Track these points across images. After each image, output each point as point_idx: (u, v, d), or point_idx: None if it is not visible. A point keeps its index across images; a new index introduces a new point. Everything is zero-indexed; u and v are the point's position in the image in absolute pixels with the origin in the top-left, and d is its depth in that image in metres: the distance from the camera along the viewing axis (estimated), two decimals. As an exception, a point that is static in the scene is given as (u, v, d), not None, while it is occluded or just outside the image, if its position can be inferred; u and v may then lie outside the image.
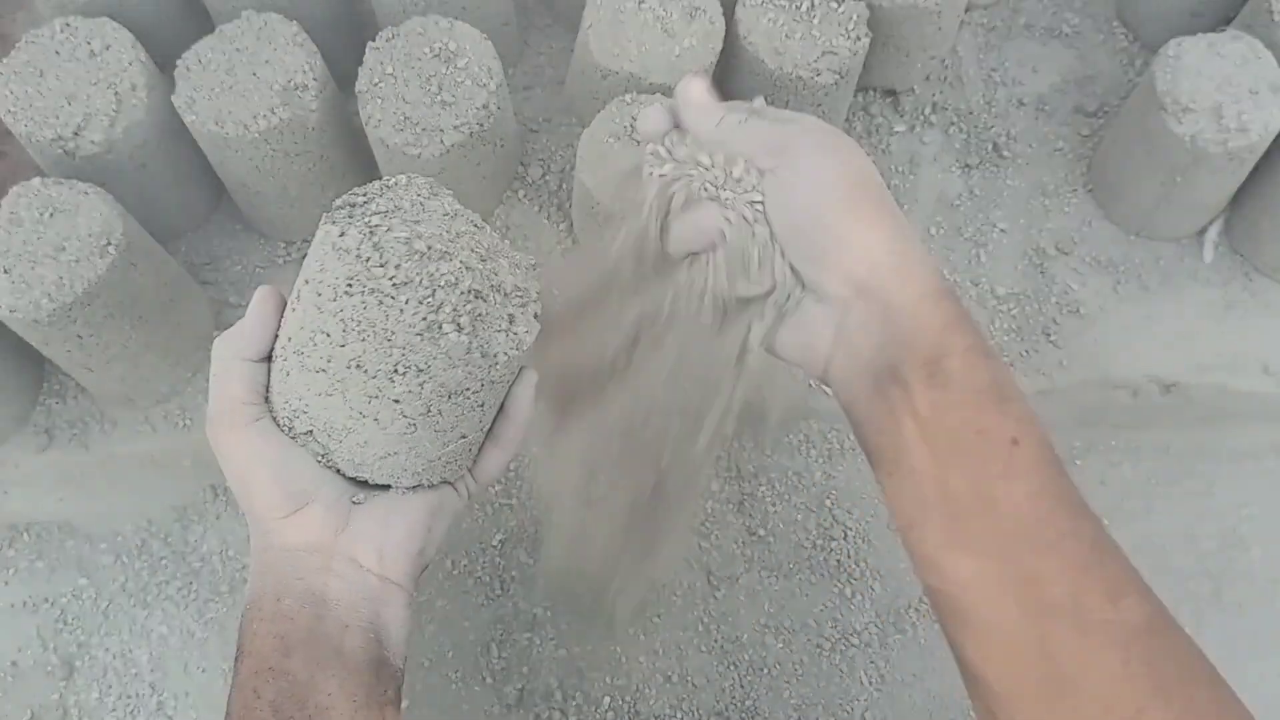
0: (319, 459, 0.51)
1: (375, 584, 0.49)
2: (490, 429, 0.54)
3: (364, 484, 0.52)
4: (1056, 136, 0.90)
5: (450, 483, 0.53)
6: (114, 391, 0.77)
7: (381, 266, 0.46)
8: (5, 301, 0.67)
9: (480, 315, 0.47)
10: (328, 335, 0.47)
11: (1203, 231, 0.86)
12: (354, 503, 0.51)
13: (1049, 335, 0.83)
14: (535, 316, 0.51)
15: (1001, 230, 0.86)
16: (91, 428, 0.79)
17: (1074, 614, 0.39)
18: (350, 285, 0.46)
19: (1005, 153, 0.89)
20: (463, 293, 0.47)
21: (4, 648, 0.80)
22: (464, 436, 0.51)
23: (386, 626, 0.49)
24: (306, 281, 0.48)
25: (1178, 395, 0.83)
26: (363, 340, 0.46)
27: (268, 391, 0.51)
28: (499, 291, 0.49)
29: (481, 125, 0.74)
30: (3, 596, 0.82)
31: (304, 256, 0.83)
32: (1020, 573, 0.40)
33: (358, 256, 0.46)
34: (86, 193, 0.70)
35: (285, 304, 0.51)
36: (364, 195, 0.49)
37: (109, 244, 0.69)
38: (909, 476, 0.43)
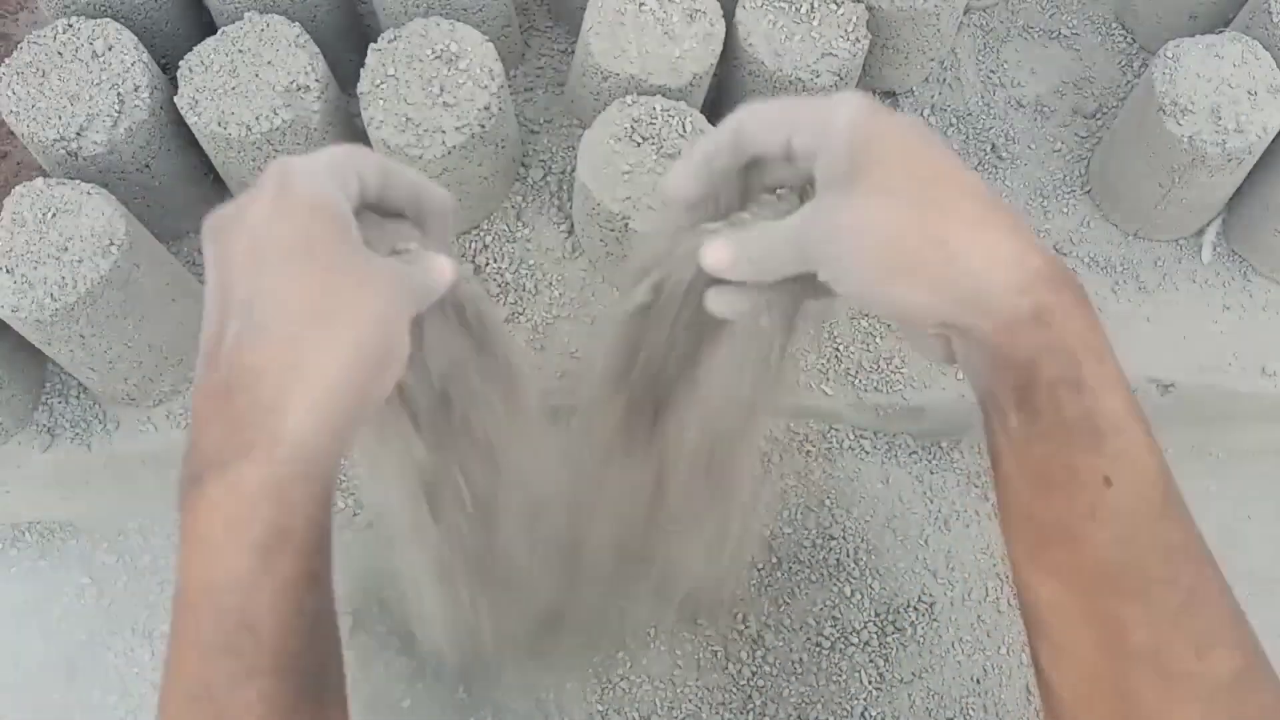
0: None
1: None
2: None
3: None
4: (1055, 138, 0.90)
5: None
6: (116, 391, 0.77)
7: None
8: (8, 301, 0.68)
9: None
10: None
11: (1201, 232, 0.87)
12: None
13: (1048, 336, 0.83)
14: None
15: (1000, 231, 0.86)
16: (94, 427, 0.79)
17: (1155, 663, 0.39)
18: None
19: (1004, 154, 0.89)
20: None
21: (6, 647, 0.81)
22: None
23: None
24: None
25: (1176, 396, 0.84)
26: None
27: None
28: None
29: (483, 126, 0.74)
30: (5, 595, 0.82)
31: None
32: (1101, 613, 0.40)
33: None
34: (89, 193, 0.70)
35: None
36: None
37: (111, 244, 0.69)
38: (1003, 494, 0.42)
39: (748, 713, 0.79)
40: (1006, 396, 0.41)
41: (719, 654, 0.80)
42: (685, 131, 0.74)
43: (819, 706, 0.79)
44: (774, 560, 0.82)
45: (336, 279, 0.40)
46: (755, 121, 0.45)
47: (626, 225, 0.73)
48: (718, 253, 0.45)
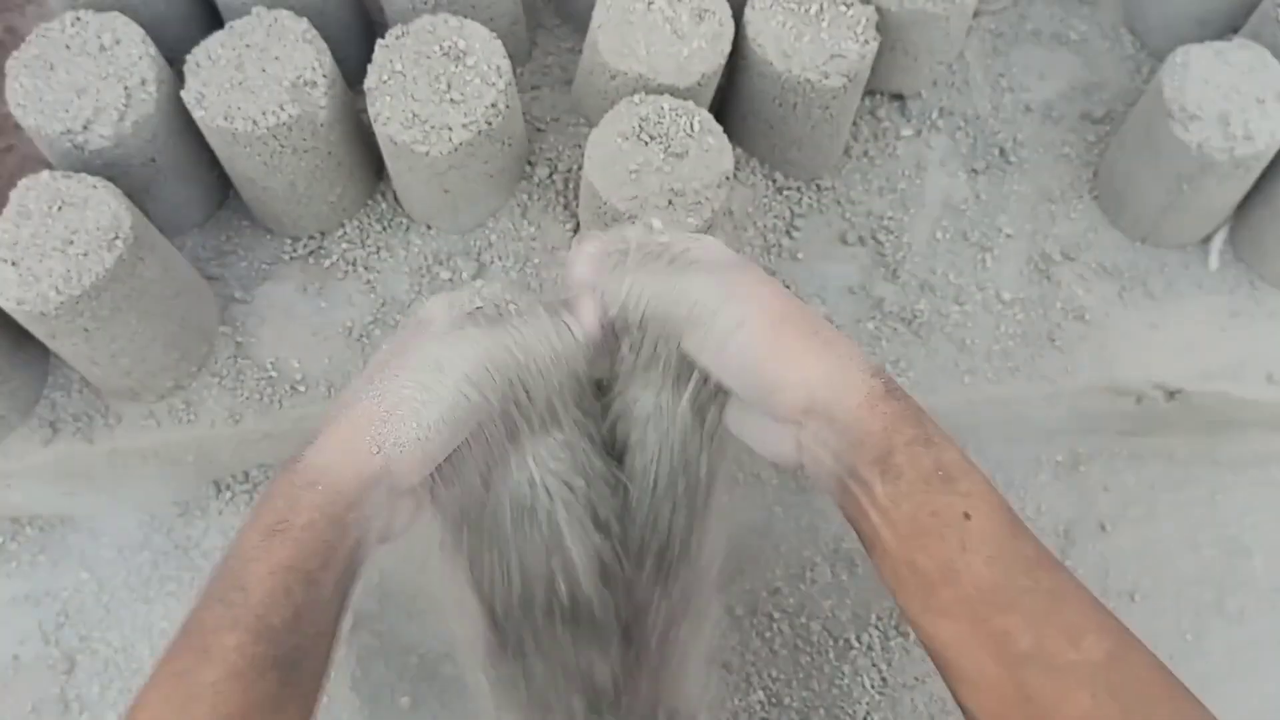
0: None
1: (404, 515, 0.54)
2: None
3: None
4: (1063, 142, 0.90)
5: None
6: (119, 385, 0.77)
7: None
8: (13, 294, 0.67)
9: None
10: None
11: (1208, 239, 0.86)
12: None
13: (1054, 341, 0.83)
14: None
15: (1007, 235, 0.86)
16: (96, 421, 0.79)
17: (1042, 660, 0.44)
18: None
19: (1011, 158, 0.89)
20: None
21: (5, 641, 0.81)
22: None
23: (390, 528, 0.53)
24: None
25: (1182, 402, 0.83)
26: None
27: None
28: None
29: (490, 124, 0.74)
30: (5, 590, 0.82)
31: (311, 253, 0.83)
32: (989, 631, 0.45)
33: None
34: (95, 186, 0.70)
35: None
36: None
37: (117, 238, 0.69)
38: (885, 557, 0.49)
39: (750, 718, 0.79)
40: (869, 468, 0.48)
41: (725, 662, 0.80)
42: (693, 131, 0.74)
43: (822, 711, 0.79)
44: (777, 566, 0.82)
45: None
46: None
47: (632, 223, 0.73)
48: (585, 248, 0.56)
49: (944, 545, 0.46)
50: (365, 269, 0.83)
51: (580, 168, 0.82)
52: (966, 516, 0.47)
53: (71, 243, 0.68)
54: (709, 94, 0.80)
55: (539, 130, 0.86)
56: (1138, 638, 0.46)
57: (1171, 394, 0.83)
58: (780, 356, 0.50)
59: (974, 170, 0.88)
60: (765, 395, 0.51)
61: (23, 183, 0.70)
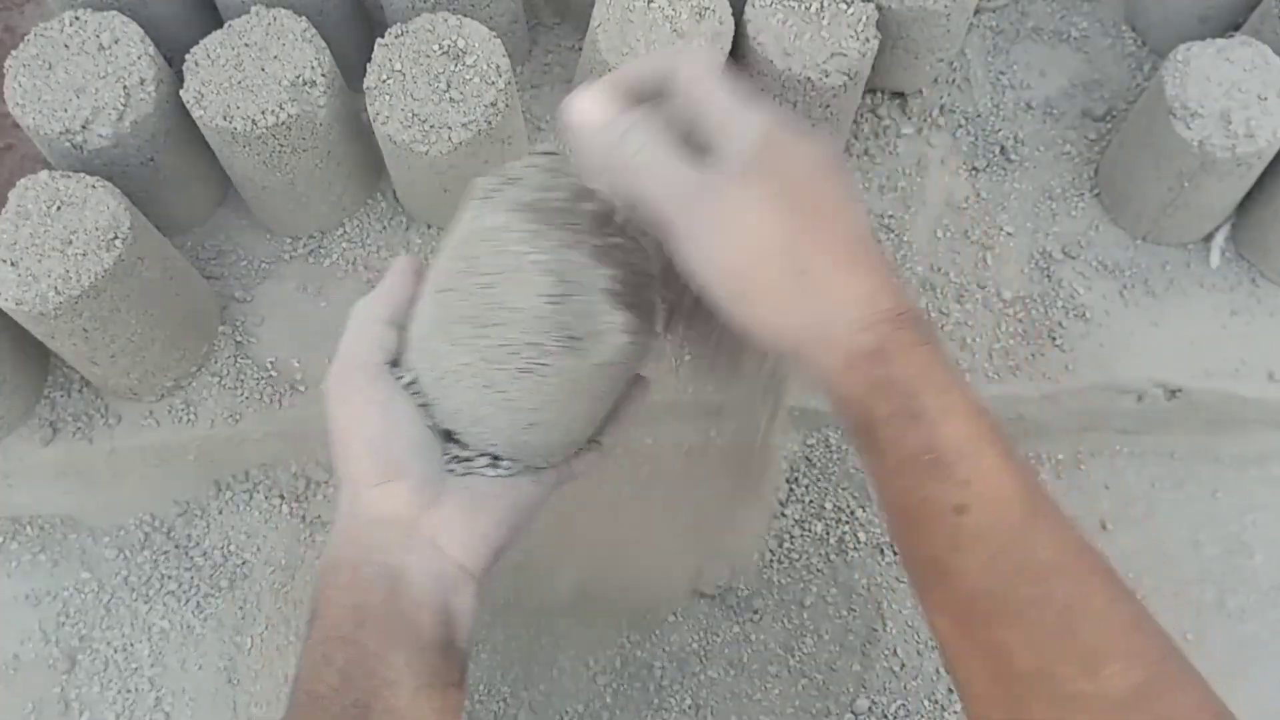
0: (430, 424, 0.51)
1: (451, 569, 0.48)
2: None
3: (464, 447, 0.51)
4: (1064, 140, 0.89)
5: (544, 469, 0.53)
6: (119, 385, 0.77)
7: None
8: (12, 294, 0.67)
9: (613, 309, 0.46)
10: (450, 311, 0.48)
11: (1209, 237, 0.86)
12: (448, 471, 0.50)
13: (1054, 339, 0.83)
14: (657, 308, 0.49)
15: (1008, 233, 0.86)
16: (96, 421, 0.79)
17: (1045, 686, 0.38)
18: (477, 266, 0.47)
19: (1012, 156, 0.89)
20: (600, 290, 0.46)
21: (6, 641, 0.81)
22: (574, 432, 0.52)
23: (456, 611, 0.49)
24: (445, 254, 0.49)
25: (1183, 401, 0.83)
26: (488, 326, 0.47)
27: (399, 356, 0.52)
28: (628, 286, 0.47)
29: (489, 123, 0.74)
30: (5, 589, 0.82)
31: (310, 252, 0.83)
32: (985, 642, 0.40)
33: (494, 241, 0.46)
34: (94, 186, 0.70)
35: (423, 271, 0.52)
36: (516, 175, 0.48)
37: (116, 238, 0.69)
38: (890, 536, 0.44)
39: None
40: (856, 438, 0.42)
41: (757, 652, 0.80)
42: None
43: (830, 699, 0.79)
44: (787, 562, 0.81)
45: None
46: (692, 73, 0.45)
47: None
48: (583, 103, 0.44)
49: (932, 541, 0.40)
50: (365, 268, 0.83)
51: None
52: (959, 511, 0.39)
53: (70, 243, 0.68)
54: (709, 92, 0.80)
55: (539, 129, 0.86)
56: (1191, 672, 0.39)
57: (1173, 392, 0.83)
58: (754, 298, 0.41)
59: (975, 168, 0.88)
60: (749, 334, 0.43)
61: (21, 182, 0.70)
